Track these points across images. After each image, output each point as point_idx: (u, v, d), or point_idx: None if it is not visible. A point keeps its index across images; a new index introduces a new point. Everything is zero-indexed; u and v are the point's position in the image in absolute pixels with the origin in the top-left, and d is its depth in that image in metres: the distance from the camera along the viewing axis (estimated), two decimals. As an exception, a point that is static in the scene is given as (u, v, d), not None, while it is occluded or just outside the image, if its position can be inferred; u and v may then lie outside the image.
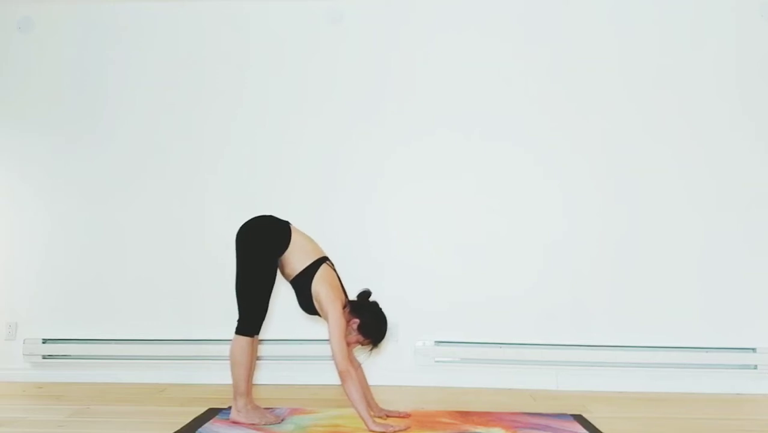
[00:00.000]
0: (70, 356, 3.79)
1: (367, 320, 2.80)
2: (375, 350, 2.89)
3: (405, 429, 2.70)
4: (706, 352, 3.62)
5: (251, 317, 2.80)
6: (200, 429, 2.74)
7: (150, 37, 4.04)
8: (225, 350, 3.73)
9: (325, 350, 3.70)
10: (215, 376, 3.72)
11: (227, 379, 3.70)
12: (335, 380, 3.68)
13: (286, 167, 3.91)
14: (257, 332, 2.83)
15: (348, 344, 2.81)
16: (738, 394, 3.58)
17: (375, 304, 2.86)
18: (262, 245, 2.83)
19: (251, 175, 3.91)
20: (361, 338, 2.82)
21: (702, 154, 3.81)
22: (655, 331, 3.68)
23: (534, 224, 3.81)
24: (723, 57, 3.87)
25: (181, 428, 2.76)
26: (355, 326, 2.79)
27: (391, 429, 2.66)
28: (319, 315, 2.87)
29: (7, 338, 3.84)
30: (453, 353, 3.65)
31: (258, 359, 3.73)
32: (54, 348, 3.78)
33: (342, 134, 3.92)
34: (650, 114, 3.85)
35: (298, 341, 3.74)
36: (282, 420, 2.83)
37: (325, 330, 3.72)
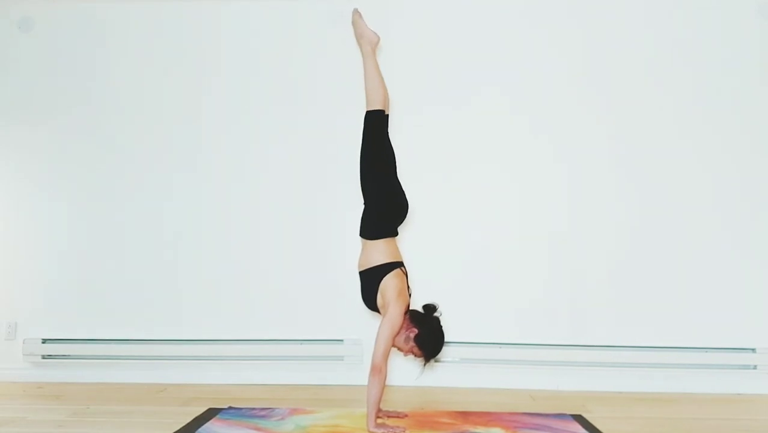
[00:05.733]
0: (69, 356, 3.79)
1: (425, 333, 2.77)
2: (428, 366, 2.85)
3: (403, 430, 2.70)
4: (706, 352, 3.61)
5: None
6: (200, 429, 2.74)
7: (151, 37, 4.03)
8: (224, 350, 3.77)
9: (325, 349, 3.74)
10: (215, 376, 3.73)
11: (227, 379, 3.73)
12: (334, 380, 3.72)
13: (287, 168, 3.90)
14: None
15: (404, 352, 2.82)
16: (738, 394, 3.58)
17: (436, 319, 2.82)
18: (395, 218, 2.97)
19: (251, 176, 3.90)
20: (415, 349, 2.79)
21: (701, 155, 3.81)
22: (655, 331, 3.68)
23: (534, 224, 3.79)
24: (728, 53, 3.85)
25: (181, 428, 2.76)
26: (412, 336, 2.77)
27: (390, 430, 2.67)
28: (378, 311, 2.87)
29: (7, 338, 3.84)
30: (453, 353, 3.64)
31: (258, 358, 3.76)
32: (54, 348, 3.78)
33: (343, 134, 3.89)
34: (649, 114, 3.84)
35: (299, 341, 3.74)
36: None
37: (323, 331, 3.78)
